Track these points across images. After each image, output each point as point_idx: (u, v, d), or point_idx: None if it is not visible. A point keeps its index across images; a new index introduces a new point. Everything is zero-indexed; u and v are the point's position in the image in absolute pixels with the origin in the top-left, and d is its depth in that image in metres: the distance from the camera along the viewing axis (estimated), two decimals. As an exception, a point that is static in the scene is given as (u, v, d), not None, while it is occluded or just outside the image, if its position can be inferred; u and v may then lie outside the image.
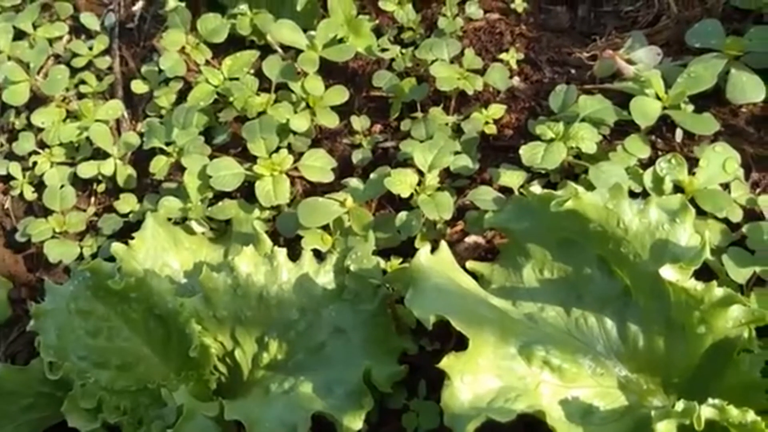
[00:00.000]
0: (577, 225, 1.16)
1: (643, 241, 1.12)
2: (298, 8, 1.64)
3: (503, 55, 1.58)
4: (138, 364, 1.33)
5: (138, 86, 1.77)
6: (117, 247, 1.42)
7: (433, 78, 1.51)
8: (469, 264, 1.29)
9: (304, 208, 1.39)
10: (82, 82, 1.83)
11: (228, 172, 1.50)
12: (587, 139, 1.31)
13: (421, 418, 1.25)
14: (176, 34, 1.71)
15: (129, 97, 1.80)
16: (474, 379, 1.02)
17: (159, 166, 1.60)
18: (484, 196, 1.35)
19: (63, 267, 1.64)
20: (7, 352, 1.61)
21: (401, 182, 1.35)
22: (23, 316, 1.64)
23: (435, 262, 1.16)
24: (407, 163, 1.47)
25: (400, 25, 1.68)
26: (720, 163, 1.28)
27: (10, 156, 1.79)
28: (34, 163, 1.73)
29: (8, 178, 1.77)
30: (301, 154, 1.53)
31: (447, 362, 1.01)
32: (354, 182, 1.46)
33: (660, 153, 1.40)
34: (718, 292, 1.05)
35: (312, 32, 1.61)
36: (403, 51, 1.62)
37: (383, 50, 1.63)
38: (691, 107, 1.39)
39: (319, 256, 1.38)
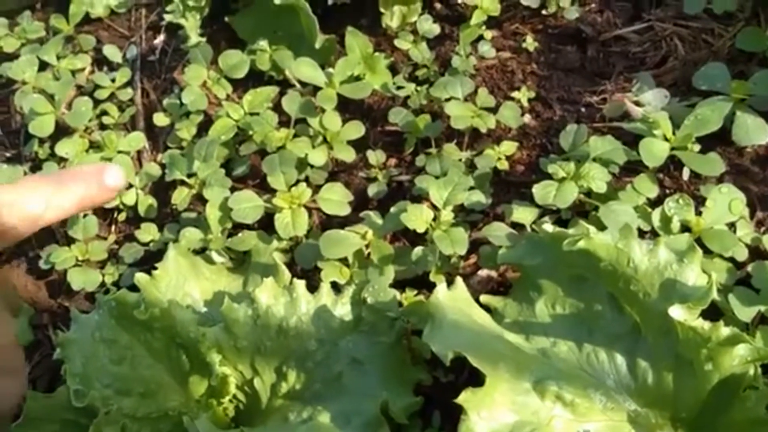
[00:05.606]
0: (589, 263, 1.20)
1: (652, 280, 1.15)
2: (317, 46, 1.69)
3: (515, 93, 1.63)
4: (159, 392, 1.35)
5: (159, 119, 1.81)
6: (140, 277, 1.45)
7: (447, 115, 1.56)
8: (483, 298, 1.33)
9: (325, 240, 1.42)
10: (105, 113, 1.87)
11: (248, 204, 1.54)
12: (598, 179, 1.35)
13: (436, 448, 1.28)
14: (198, 69, 1.77)
15: (150, 128, 1.85)
16: (490, 413, 1.05)
17: (180, 197, 1.64)
18: (497, 232, 1.39)
19: (84, 293, 1.67)
20: (29, 377, 1.63)
21: (417, 218, 1.39)
22: (45, 342, 1.68)
23: (451, 298, 1.20)
24: (422, 197, 1.52)
25: (414, 63, 1.73)
26: (726, 203, 1.32)
27: (34, 185, 1.83)
28: (58, 192, 1.77)
29: (32, 206, 1.80)
30: (319, 186, 1.58)
31: (464, 397, 1.05)
32: (372, 216, 1.49)
33: (668, 191, 1.44)
34: (725, 331, 1.08)
35: (330, 69, 1.66)
36: (418, 88, 1.66)
37: (399, 87, 1.67)
38: (697, 147, 1.43)
39: (336, 287, 1.42)
